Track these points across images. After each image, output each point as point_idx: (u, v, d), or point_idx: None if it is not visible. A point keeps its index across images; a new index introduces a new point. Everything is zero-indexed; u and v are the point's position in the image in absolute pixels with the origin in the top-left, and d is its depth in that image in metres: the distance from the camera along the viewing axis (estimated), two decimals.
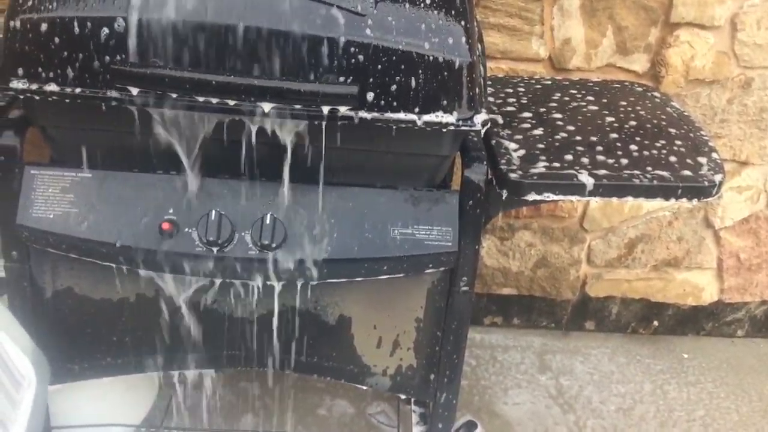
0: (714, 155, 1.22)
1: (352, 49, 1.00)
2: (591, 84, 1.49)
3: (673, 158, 1.19)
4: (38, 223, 1.11)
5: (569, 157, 1.17)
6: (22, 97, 1.04)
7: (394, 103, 1.03)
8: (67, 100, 1.02)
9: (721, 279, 2.09)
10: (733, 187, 1.95)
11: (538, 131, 1.25)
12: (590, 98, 1.40)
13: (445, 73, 1.02)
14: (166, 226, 1.10)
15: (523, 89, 1.44)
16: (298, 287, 1.18)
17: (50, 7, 0.99)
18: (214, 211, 1.11)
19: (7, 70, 1.02)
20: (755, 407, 1.91)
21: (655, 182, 1.13)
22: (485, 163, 1.15)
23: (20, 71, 1.02)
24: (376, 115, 1.03)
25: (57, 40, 1.00)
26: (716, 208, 1.98)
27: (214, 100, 0.99)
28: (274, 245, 1.11)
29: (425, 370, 1.29)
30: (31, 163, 1.13)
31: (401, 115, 1.04)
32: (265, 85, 0.98)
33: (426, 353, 1.28)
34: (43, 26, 1.00)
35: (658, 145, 1.23)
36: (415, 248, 1.14)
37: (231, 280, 1.16)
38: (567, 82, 1.50)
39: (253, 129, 1.06)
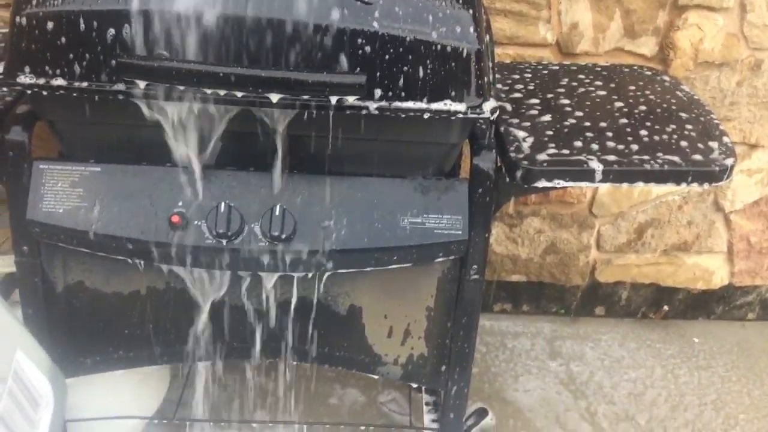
0: (725, 139, 1.21)
1: (360, 39, 0.99)
2: (599, 69, 1.48)
3: (684, 143, 1.18)
4: (48, 218, 1.11)
5: (579, 143, 1.16)
6: (29, 91, 1.03)
7: (403, 92, 1.02)
8: (75, 94, 1.02)
9: (732, 263, 2.08)
10: (743, 170, 1.94)
11: (547, 117, 1.24)
12: (598, 83, 1.39)
13: (454, 61, 1.02)
14: (175, 219, 1.10)
15: (530, 75, 1.43)
16: (309, 278, 1.18)
17: (56, 1, 0.99)
18: (223, 204, 1.11)
19: (14, 64, 1.02)
20: (767, 391, 1.91)
21: (666, 167, 1.12)
22: (494, 150, 1.15)
23: (27, 66, 1.01)
24: (384, 104, 1.03)
25: (63, 34, 0.99)
26: (726, 192, 1.96)
27: (222, 92, 0.99)
28: (283, 236, 1.10)
29: (436, 358, 1.29)
30: (40, 158, 1.13)
31: (410, 104, 1.03)
32: (272, 76, 0.98)
33: (437, 342, 1.28)
34: (50, 20, 0.99)
35: (668, 130, 1.22)
36: (425, 237, 1.14)
37: (241, 272, 1.16)
38: (575, 67, 1.49)
39: (262, 120, 1.06)
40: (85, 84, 1.01)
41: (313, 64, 1.00)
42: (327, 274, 1.17)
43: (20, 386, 1.08)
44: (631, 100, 1.32)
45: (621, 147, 1.16)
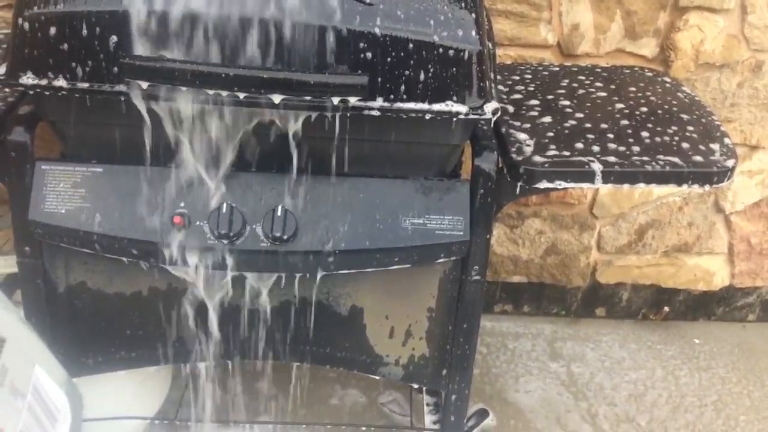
0: (726, 140, 1.21)
1: (362, 40, 0.99)
2: (599, 70, 1.48)
3: (685, 144, 1.19)
4: (50, 219, 1.11)
5: (580, 145, 1.17)
6: (31, 92, 1.04)
7: (404, 93, 1.02)
8: (77, 95, 1.02)
9: (732, 264, 2.08)
10: (744, 171, 1.94)
11: (547, 119, 1.25)
12: (598, 84, 1.40)
13: (455, 62, 1.02)
14: (177, 219, 1.10)
15: (530, 76, 1.43)
16: (310, 279, 1.18)
17: (58, 1, 0.99)
18: (225, 204, 1.11)
19: (16, 65, 1.02)
20: (767, 392, 1.91)
21: (667, 168, 1.12)
22: (496, 151, 1.15)
23: (29, 67, 1.02)
24: (386, 105, 1.03)
25: (65, 35, 1.00)
26: (727, 193, 1.97)
27: (224, 93, 0.99)
28: (285, 237, 1.10)
29: (437, 359, 1.29)
30: (42, 159, 1.13)
31: (411, 105, 1.03)
32: (274, 77, 0.98)
33: (438, 343, 1.28)
34: (52, 21, 0.99)
35: (669, 131, 1.22)
36: (426, 238, 1.14)
37: (243, 273, 1.16)
38: (575, 69, 1.49)
39: (263, 121, 1.06)
40: (87, 85, 1.02)
41: (315, 65, 1.00)
42: (328, 274, 1.17)
43: (39, 401, 1.09)
44: (631, 102, 1.32)
45: (622, 148, 1.16)
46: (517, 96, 1.34)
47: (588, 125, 1.23)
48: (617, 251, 2.02)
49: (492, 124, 1.18)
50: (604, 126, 1.23)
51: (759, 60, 1.80)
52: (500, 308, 2.11)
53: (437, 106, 1.04)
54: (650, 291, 2.10)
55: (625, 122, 1.24)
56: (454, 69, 1.02)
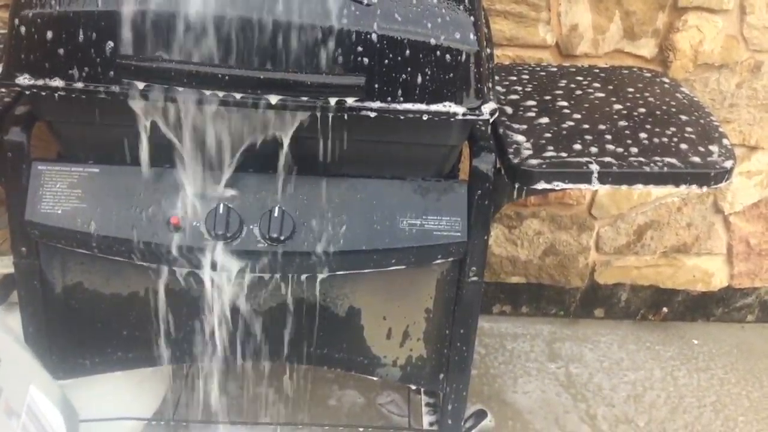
0: (725, 141, 1.21)
1: (359, 40, 0.99)
2: (597, 70, 1.48)
3: (683, 145, 1.18)
4: (47, 219, 1.11)
5: (578, 146, 1.16)
6: (28, 92, 1.03)
7: (402, 94, 1.02)
8: (73, 95, 1.02)
9: (731, 264, 2.08)
10: (743, 172, 1.93)
11: (544, 120, 1.24)
12: (596, 85, 1.39)
13: (453, 63, 1.02)
14: (174, 220, 1.10)
15: (527, 77, 1.43)
16: (307, 279, 1.18)
17: (54, 2, 0.99)
18: (222, 205, 1.10)
19: (13, 66, 1.02)
20: (766, 392, 1.91)
21: (665, 169, 1.12)
22: (493, 152, 1.15)
23: (25, 67, 1.01)
24: (383, 105, 1.03)
25: (62, 35, 0.99)
26: (726, 194, 1.96)
27: (221, 93, 0.99)
28: (282, 238, 1.10)
29: (435, 360, 1.29)
30: (39, 159, 1.13)
31: (409, 106, 1.03)
32: (271, 77, 0.98)
33: (436, 344, 1.27)
34: (48, 22, 0.99)
35: (668, 132, 1.22)
36: (424, 239, 1.14)
37: (240, 274, 1.16)
38: (573, 69, 1.49)
39: (260, 121, 1.06)
40: (83, 85, 1.01)
41: (312, 66, 0.99)
42: (326, 275, 1.16)
43: (33, 421, 1.09)
44: (629, 103, 1.32)
45: (620, 150, 1.16)
46: (515, 97, 1.34)
47: (586, 126, 1.23)
48: (616, 252, 2.02)
49: (490, 125, 1.18)
50: (602, 127, 1.22)
51: (758, 60, 1.80)
52: (499, 309, 2.10)
53: (435, 107, 1.03)
54: (649, 292, 2.10)
55: (623, 123, 1.24)
56: (452, 70, 1.02)
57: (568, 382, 1.88)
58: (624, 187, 1.13)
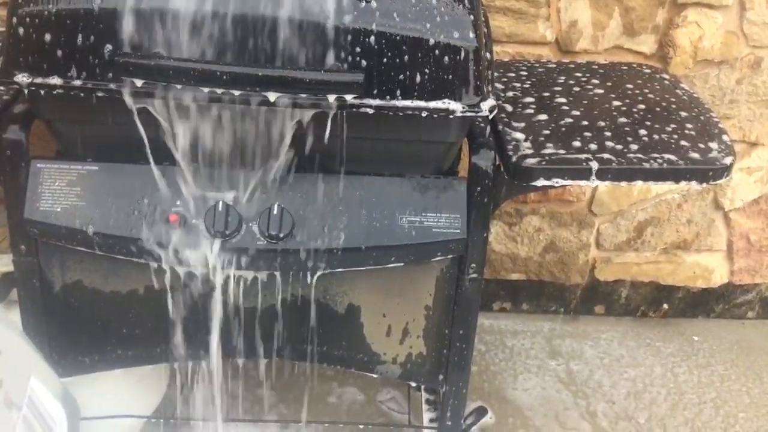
0: (725, 137, 1.21)
1: (358, 37, 0.99)
2: (596, 67, 1.48)
3: (683, 142, 1.18)
4: (46, 217, 1.11)
5: (577, 143, 1.16)
6: (26, 90, 1.03)
7: (401, 91, 1.02)
8: (72, 93, 1.02)
9: (731, 261, 2.08)
10: (743, 168, 1.93)
11: (543, 116, 1.24)
12: (595, 81, 1.39)
13: (452, 60, 1.01)
14: (173, 217, 1.10)
15: (525, 73, 1.43)
16: (307, 277, 1.18)
17: (52, 0, 0.99)
18: (221, 202, 1.10)
19: (11, 63, 1.02)
20: (766, 389, 1.90)
21: (665, 166, 1.12)
22: (493, 149, 1.14)
23: (23, 65, 1.01)
24: (382, 102, 1.02)
25: (60, 33, 0.99)
26: (726, 190, 1.96)
27: (219, 91, 0.99)
28: (281, 235, 1.10)
29: (435, 357, 1.29)
30: (37, 157, 1.13)
31: (408, 103, 1.03)
32: (270, 75, 0.98)
33: (436, 341, 1.27)
34: (46, 19, 0.99)
35: (668, 128, 1.22)
36: (423, 236, 1.14)
37: (239, 271, 1.16)
38: (572, 65, 1.48)
39: (259, 118, 1.05)
40: (81, 83, 1.01)
41: (311, 63, 0.99)
42: (325, 273, 1.16)
43: (34, 413, 1.10)
44: (629, 99, 1.32)
45: (619, 146, 1.16)
46: (513, 93, 1.34)
47: (585, 123, 1.22)
48: (616, 248, 2.02)
49: (489, 122, 1.18)
50: (601, 123, 1.22)
51: (758, 56, 1.79)
52: (499, 306, 2.10)
53: (434, 104, 1.03)
54: (649, 288, 2.10)
55: (622, 119, 1.24)
56: (451, 67, 1.02)
57: (568, 379, 1.88)
58: (623, 184, 1.13)
